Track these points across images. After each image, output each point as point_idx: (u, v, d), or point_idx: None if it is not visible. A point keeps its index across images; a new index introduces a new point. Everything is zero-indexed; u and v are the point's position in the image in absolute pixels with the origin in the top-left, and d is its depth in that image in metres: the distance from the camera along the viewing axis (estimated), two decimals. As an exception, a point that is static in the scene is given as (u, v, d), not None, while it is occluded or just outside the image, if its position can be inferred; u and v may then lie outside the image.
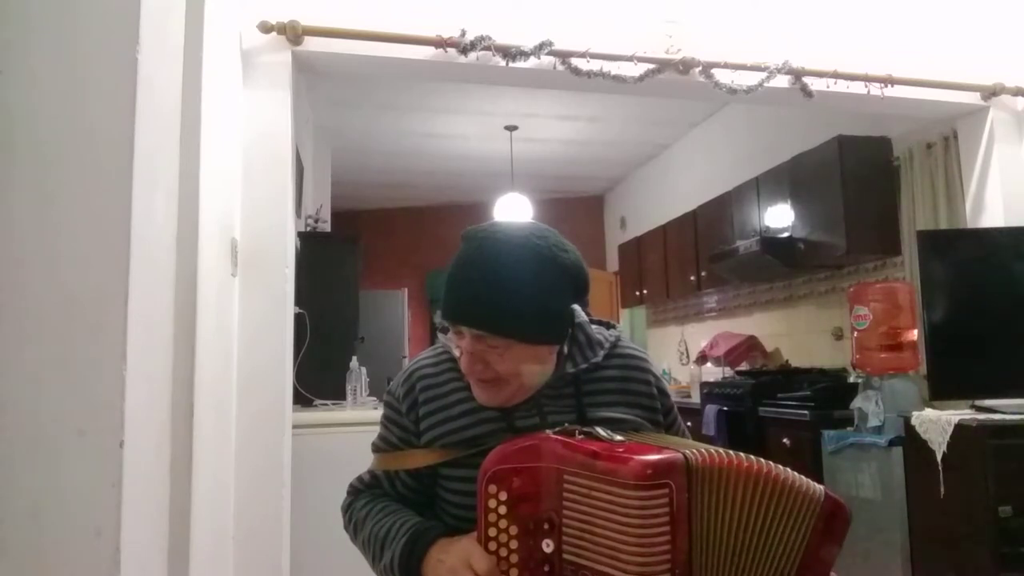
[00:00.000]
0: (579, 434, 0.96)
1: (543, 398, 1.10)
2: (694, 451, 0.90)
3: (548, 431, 0.98)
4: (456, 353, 1.08)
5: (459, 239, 1.07)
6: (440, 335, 1.17)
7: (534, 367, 1.06)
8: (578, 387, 1.12)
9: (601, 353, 1.14)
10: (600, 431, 0.96)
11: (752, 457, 0.93)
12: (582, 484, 0.89)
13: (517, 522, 0.92)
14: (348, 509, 1.19)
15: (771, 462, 0.94)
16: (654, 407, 1.17)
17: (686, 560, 0.86)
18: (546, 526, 0.91)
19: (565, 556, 0.90)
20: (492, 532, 0.93)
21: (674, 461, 0.87)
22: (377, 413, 1.20)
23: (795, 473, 0.95)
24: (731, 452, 0.93)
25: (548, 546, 0.90)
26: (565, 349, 1.11)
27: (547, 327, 1.05)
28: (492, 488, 0.93)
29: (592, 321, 1.20)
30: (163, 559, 1.33)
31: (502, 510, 0.93)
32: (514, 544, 0.92)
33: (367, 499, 1.16)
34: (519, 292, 1.01)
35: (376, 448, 1.19)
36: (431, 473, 1.11)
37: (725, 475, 0.90)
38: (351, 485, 1.21)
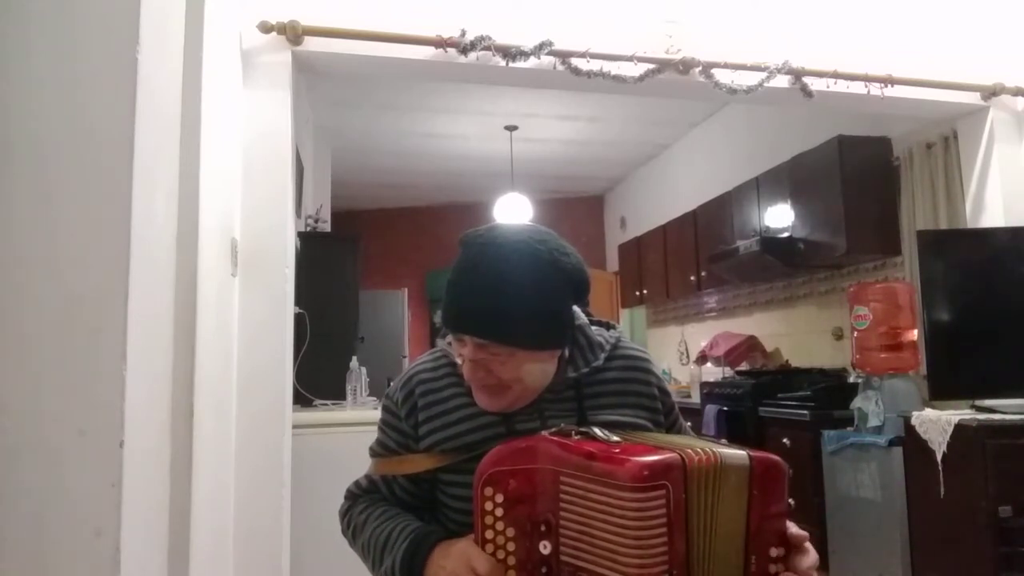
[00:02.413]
0: (575, 435, 0.96)
1: (544, 402, 1.09)
2: (692, 451, 0.89)
3: (544, 432, 0.98)
4: (458, 361, 1.07)
5: (459, 239, 1.07)
6: (439, 340, 1.16)
7: (536, 372, 1.05)
8: (579, 390, 1.12)
9: (602, 356, 1.14)
10: (597, 431, 0.96)
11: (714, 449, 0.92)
12: (579, 486, 0.89)
13: (514, 524, 0.92)
14: (346, 514, 1.18)
15: (708, 444, 0.92)
16: (655, 407, 1.17)
17: (684, 560, 0.86)
18: (543, 528, 0.90)
19: (563, 558, 0.89)
20: (489, 534, 0.93)
21: (671, 462, 0.86)
22: (377, 413, 1.20)
23: (721, 447, 0.93)
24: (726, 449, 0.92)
25: (545, 547, 0.90)
26: (566, 353, 1.11)
27: (550, 334, 1.05)
28: (488, 490, 0.93)
29: (592, 322, 1.20)
30: (163, 559, 1.33)
31: (499, 512, 0.93)
32: (511, 546, 0.92)
33: (365, 504, 1.16)
34: (521, 300, 1.00)
35: (374, 453, 1.18)
36: (430, 478, 1.10)
37: (723, 474, 0.90)
38: (348, 490, 1.21)
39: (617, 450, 0.90)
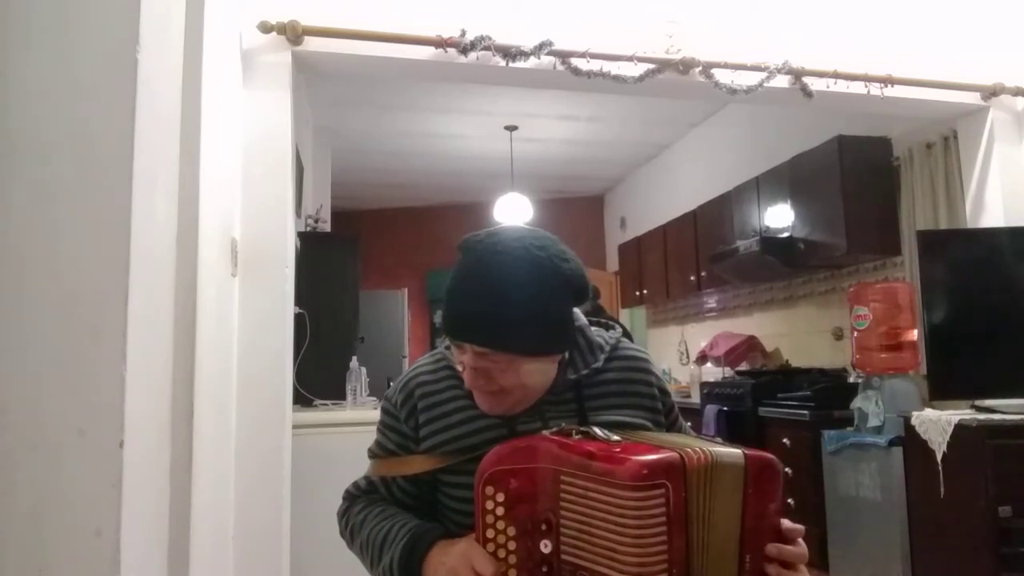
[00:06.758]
0: (576, 434, 0.96)
1: (545, 404, 1.09)
2: (691, 450, 0.89)
3: (545, 432, 0.98)
4: (459, 368, 1.07)
5: (459, 238, 1.07)
6: (439, 342, 1.16)
7: (537, 377, 1.05)
8: (579, 391, 1.12)
9: (602, 357, 1.14)
10: (597, 431, 0.96)
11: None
12: (579, 485, 0.89)
13: (515, 523, 0.92)
14: (344, 514, 1.18)
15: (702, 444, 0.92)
16: (656, 407, 1.17)
17: (683, 560, 0.86)
18: (544, 527, 0.91)
19: (563, 556, 0.89)
20: (490, 533, 0.93)
21: (670, 461, 0.87)
22: (377, 413, 1.20)
23: (717, 446, 0.93)
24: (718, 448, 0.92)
25: (546, 546, 0.90)
26: (566, 355, 1.11)
27: (550, 340, 1.05)
28: (489, 490, 0.93)
29: (592, 322, 1.20)
30: (163, 559, 1.33)
31: (499, 511, 0.93)
32: (512, 545, 0.92)
33: (364, 504, 1.16)
34: (522, 308, 0.99)
35: (372, 454, 1.18)
36: (430, 480, 1.10)
37: (717, 472, 0.90)
38: (347, 491, 1.20)
39: (617, 449, 0.90)
